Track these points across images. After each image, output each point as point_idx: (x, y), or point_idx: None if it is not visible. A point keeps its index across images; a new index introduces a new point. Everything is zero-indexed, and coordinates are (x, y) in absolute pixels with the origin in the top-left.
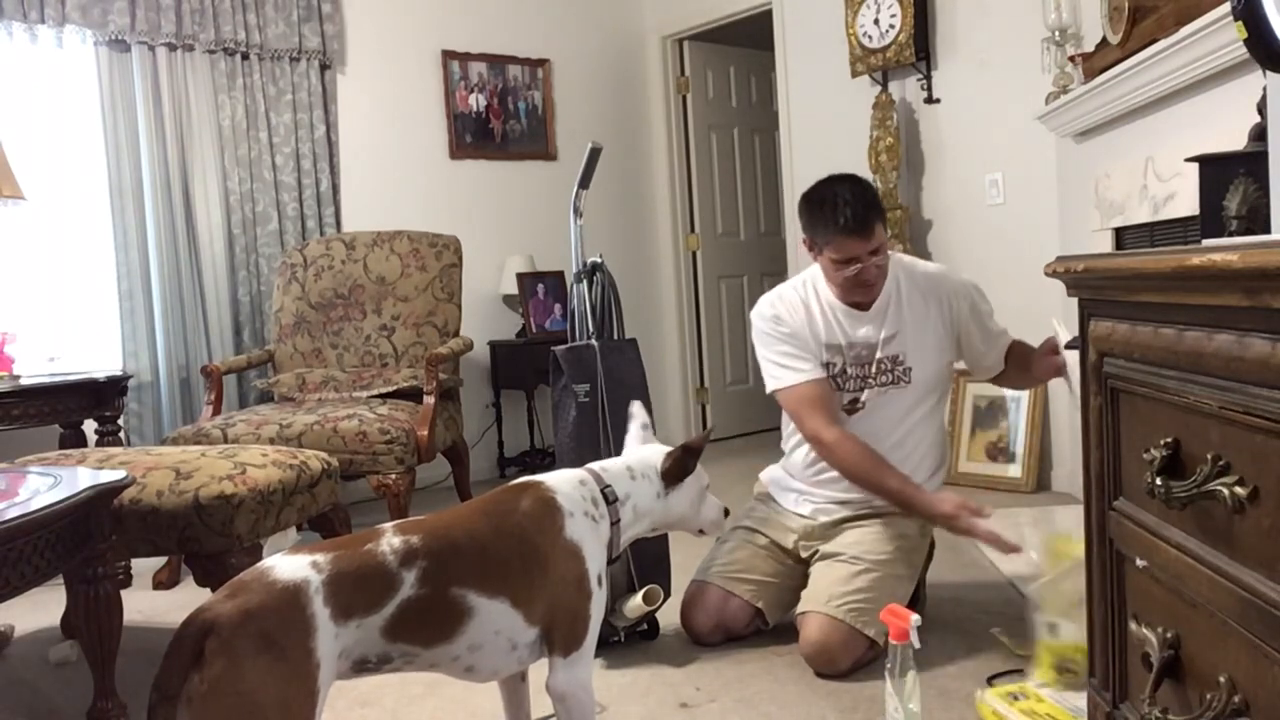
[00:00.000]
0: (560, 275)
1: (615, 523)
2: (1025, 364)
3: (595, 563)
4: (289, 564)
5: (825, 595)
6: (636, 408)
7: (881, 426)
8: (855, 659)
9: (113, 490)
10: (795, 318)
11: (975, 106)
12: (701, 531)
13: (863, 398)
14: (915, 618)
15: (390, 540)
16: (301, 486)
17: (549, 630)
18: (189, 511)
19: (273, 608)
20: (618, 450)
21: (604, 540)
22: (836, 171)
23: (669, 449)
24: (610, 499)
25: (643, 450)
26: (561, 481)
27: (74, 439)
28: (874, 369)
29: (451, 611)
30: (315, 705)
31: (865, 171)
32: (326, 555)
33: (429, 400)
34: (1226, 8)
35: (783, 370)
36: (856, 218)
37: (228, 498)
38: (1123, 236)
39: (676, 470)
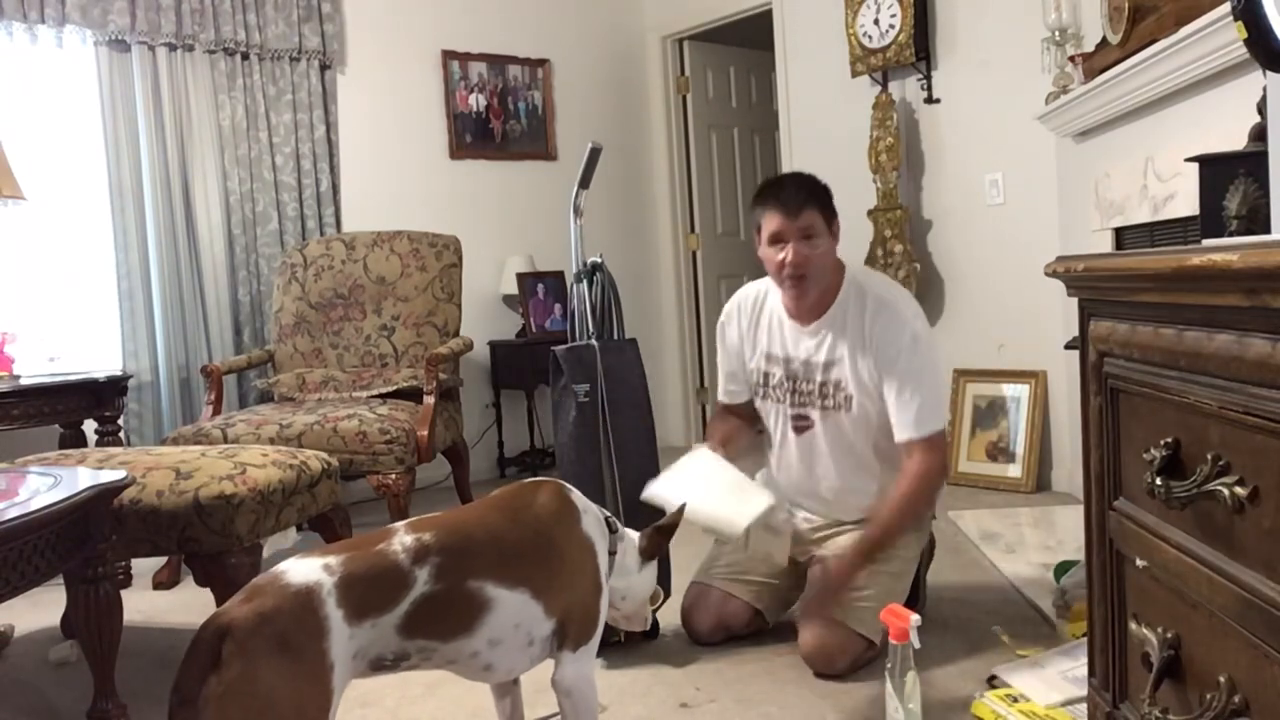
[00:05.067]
0: (560, 275)
1: (611, 553)
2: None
3: (603, 562)
4: (302, 567)
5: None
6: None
7: (830, 452)
8: (854, 659)
9: (113, 490)
10: (744, 319)
11: (975, 106)
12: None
13: (812, 415)
14: (915, 618)
15: (402, 539)
16: (301, 486)
17: (563, 623)
18: (189, 511)
19: (287, 611)
20: (619, 451)
21: (608, 546)
22: (840, 172)
23: (639, 532)
24: (613, 529)
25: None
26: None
27: (74, 439)
28: (815, 389)
29: (470, 604)
30: (330, 707)
31: (865, 171)
32: (338, 557)
33: (429, 400)
34: (1226, 8)
35: (720, 382)
36: (790, 194)
37: (228, 498)
38: (1123, 236)
39: (652, 549)
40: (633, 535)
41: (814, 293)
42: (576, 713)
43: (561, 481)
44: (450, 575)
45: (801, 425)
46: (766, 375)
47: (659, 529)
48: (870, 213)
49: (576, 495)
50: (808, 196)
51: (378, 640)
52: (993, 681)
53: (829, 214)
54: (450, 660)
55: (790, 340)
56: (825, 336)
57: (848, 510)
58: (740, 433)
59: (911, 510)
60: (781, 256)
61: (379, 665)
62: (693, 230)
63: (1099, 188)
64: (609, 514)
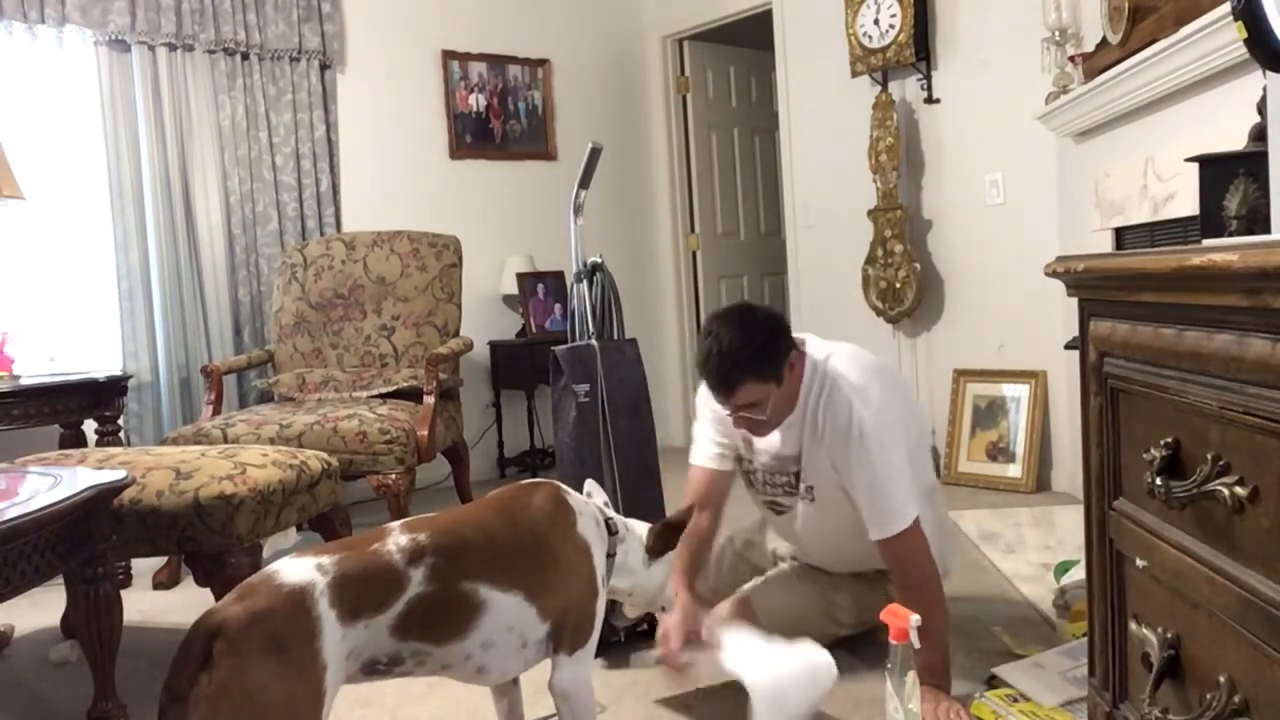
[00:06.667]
0: (560, 275)
1: (610, 555)
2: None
3: (600, 564)
4: (295, 567)
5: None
6: (593, 485)
7: (807, 532)
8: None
9: (113, 490)
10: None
11: (975, 106)
12: (663, 609)
13: (784, 503)
14: (915, 618)
15: (397, 539)
16: (301, 486)
17: (558, 626)
18: (189, 511)
19: (279, 610)
20: (619, 451)
21: (605, 549)
22: (840, 172)
23: (649, 525)
24: (612, 530)
25: (616, 515)
26: (570, 489)
27: (74, 439)
28: (784, 480)
29: (464, 606)
30: (321, 706)
31: (865, 171)
32: (332, 557)
33: (429, 400)
34: (1226, 8)
35: (694, 446)
36: (716, 375)
37: (228, 498)
38: (1123, 236)
39: (659, 545)
40: (640, 531)
41: (774, 429)
42: (574, 715)
43: (558, 483)
44: (444, 576)
45: (776, 510)
46: (745, 460)
47: (669, 525)
48: (870, 213)
49: (573, 497)
50: (730, 373)
51: (371, 641)
52: (993, 681)
53: (769, 373)
54: (444, 665)
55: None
56: (790, 430)
57: (826, 564)
58: (703, 552)
59: (935, 631)
60: (725, 416)
61: (372, 669)
62: (693, 230)
63: (1099, 188)
64: (611, 515)
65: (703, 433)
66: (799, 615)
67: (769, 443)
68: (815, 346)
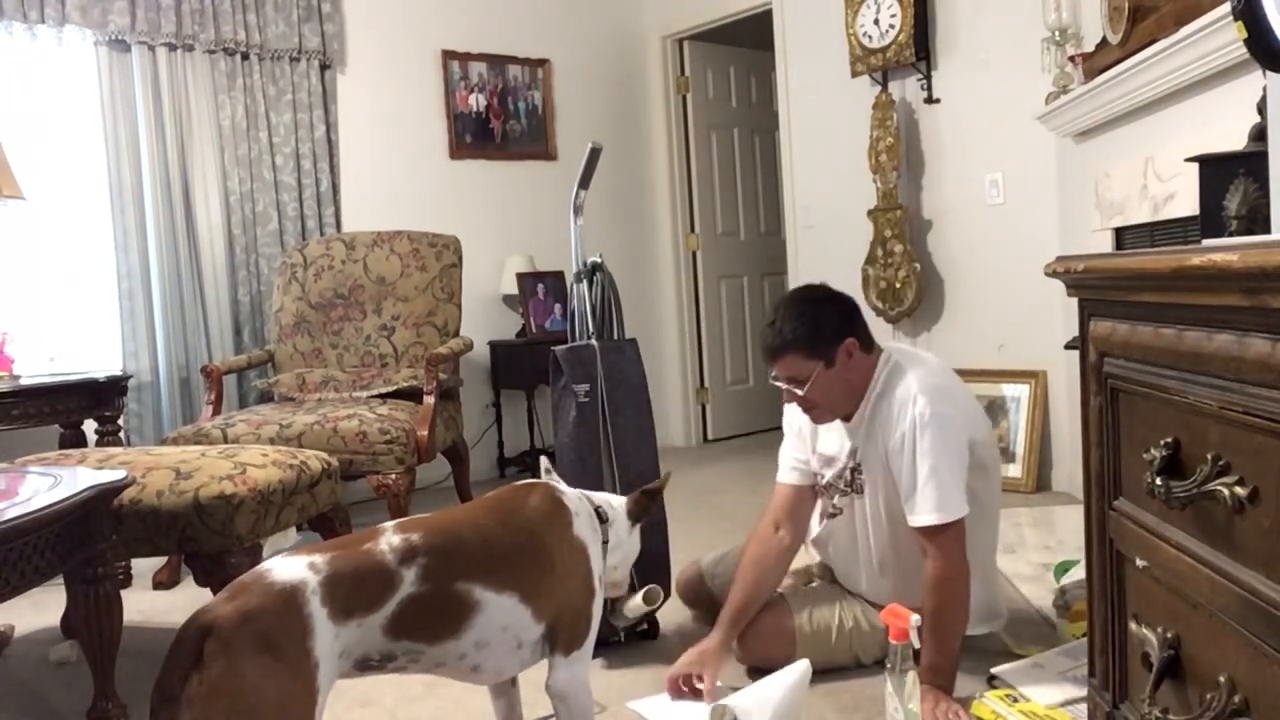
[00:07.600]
0: (560, 275)
1: (604, 542)
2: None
3: (596, 564)
4: (287, 565)
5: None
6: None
7: (852, 534)
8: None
9: (113, 490)
10: (799, 418)
11: (975, 106)
12: (629, 612)
13: (839, 505)
14: (915, 617)
15: (390, 539)
16: (301, 486)
17: (553, 627)
18: (189, 511)
19: (270, 609)
20: (619, 450)
21: (600, 546)
22: (840, 172)
23: (624, 497)
24: (603, 518)
25: (594, 493)
26: (565, 487)
27: (74, 439)
28: (842, 479)
29: (457, 607)
30: (314, 705)
31: (865, 171)
32: (324, 556)
33: (429, 400)
34: (1226, 8)
35: (780, 464)
36: (765, 342)
37: (228, 498)
38: (1123, 236)
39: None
40: (618, 503)
41: (832, 418)
42: (571, 716)
43: (556, 485)
44: (438, 577)
45: (833, 512)
46: (818, 475)
47: (645, 492)
48: (870, 213)
49: (570, 497)
50: (781, 344)
51: (364, 640)
52: (993, 681)
53: (816, 352)
54: (438, 663)
55: (825, 439)
56: (858, 426)
57: (869, 589)
58: (772, 573)
59: (949, 631)
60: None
61: (365, 666)
62: (693, 230)
63: (1099, 188)
64: (600, 504)
65: (783, 453)
66: (827, 629)
67: (830, 436)
68: (898, 350)
